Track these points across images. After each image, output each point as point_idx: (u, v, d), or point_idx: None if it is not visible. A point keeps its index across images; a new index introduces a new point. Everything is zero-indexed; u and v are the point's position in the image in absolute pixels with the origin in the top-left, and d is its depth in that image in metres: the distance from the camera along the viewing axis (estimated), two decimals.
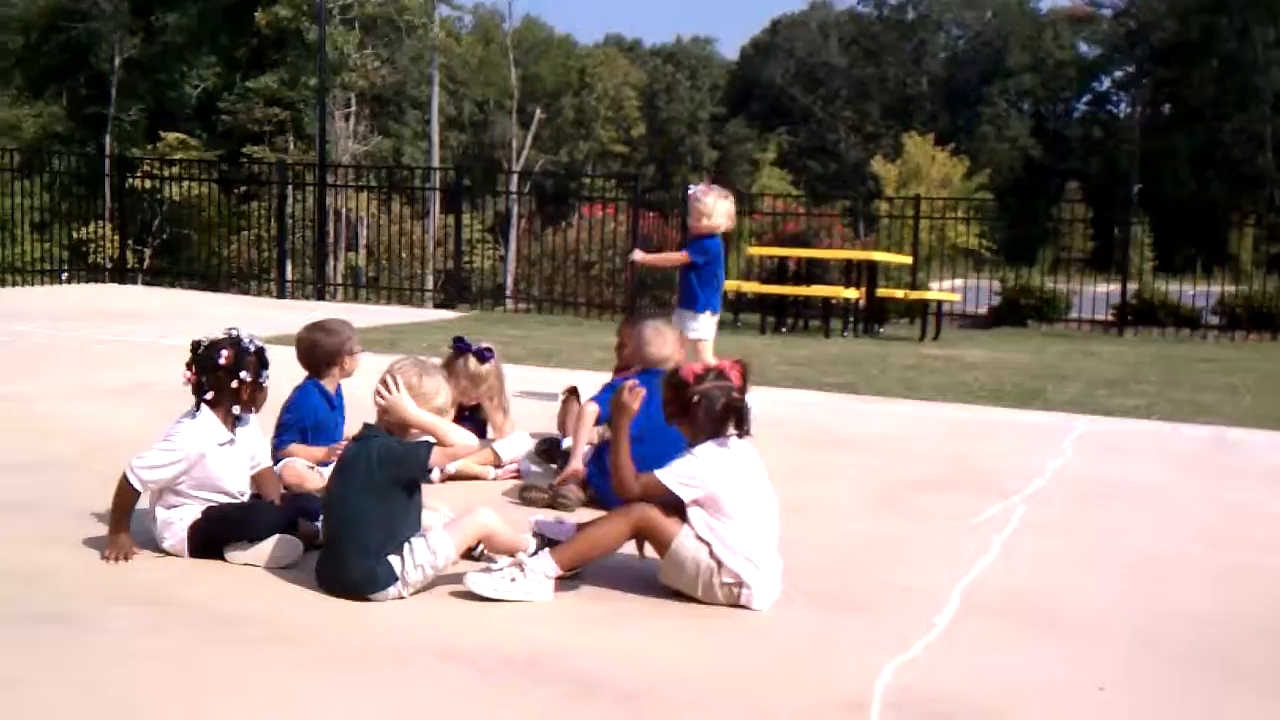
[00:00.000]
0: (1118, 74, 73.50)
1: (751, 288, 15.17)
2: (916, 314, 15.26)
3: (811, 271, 15.53)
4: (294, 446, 5.14)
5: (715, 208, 7.23)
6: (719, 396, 4.10)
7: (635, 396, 4.18)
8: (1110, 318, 16.90)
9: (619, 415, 4.17)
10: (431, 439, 4.02)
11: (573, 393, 6.06)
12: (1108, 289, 17.75)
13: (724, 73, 68.52)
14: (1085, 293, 17.41)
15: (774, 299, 14.63)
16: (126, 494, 4.20)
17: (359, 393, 5.14)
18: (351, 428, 4.87)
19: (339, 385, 5.38)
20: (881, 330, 14.63)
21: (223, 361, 4.24)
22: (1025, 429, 7.86)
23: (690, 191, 7.58)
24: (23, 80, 48.73)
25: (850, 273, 14.79)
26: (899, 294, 15.26)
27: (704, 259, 7.23)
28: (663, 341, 5.57)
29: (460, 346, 5.80)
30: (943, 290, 16.77)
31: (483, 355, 5.74)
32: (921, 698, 3.30)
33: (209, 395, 4.27)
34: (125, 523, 4.21)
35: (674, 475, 4.01)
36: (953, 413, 8.42)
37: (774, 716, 3.16)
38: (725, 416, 4.09)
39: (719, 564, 3.95)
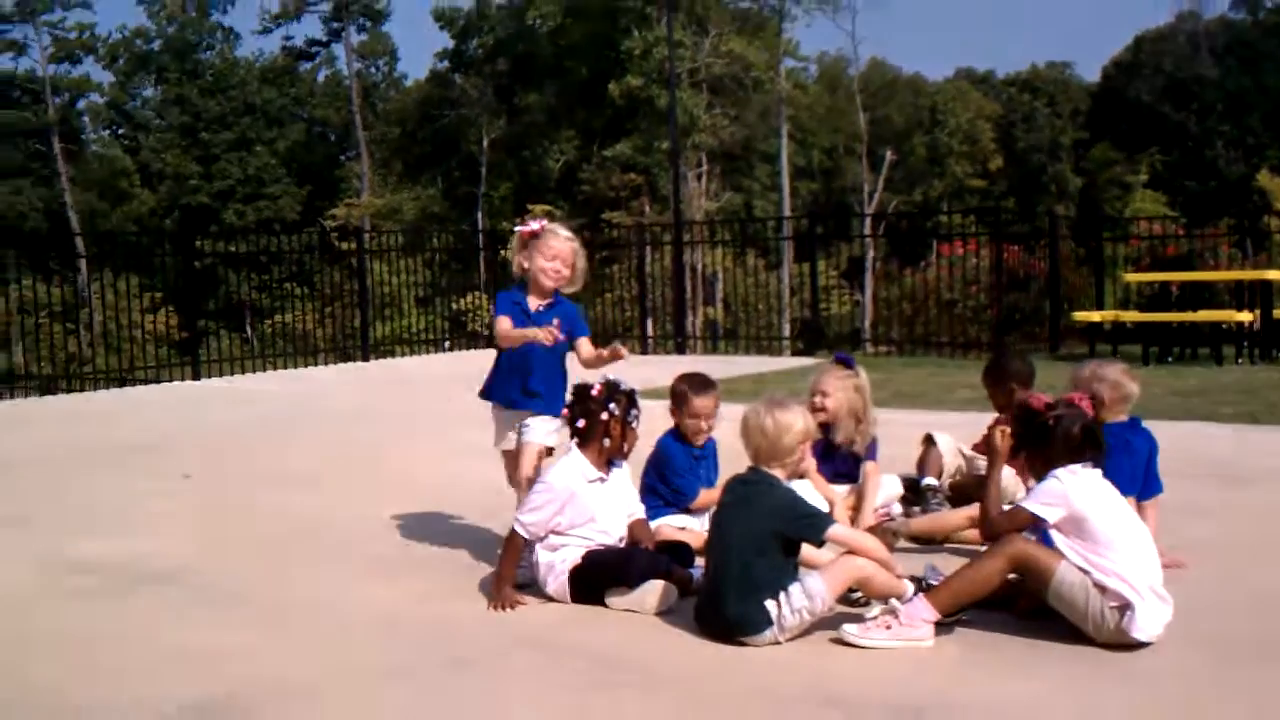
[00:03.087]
0: None
1: (1131, 316, 14.27)
2: None
3: (1196, 296, 14.46)
4: (702, 495, 5.12)
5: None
6: (1075, 420, 4.01)
7: (1006, 439, 4.21)
8: None
9: (992, 457, 4.23)
10: (829, 512, 4.27)
11: (929, 440, 5.86)
12: None
13: (1085, 96, 65.55)
14: None
15: (1156, 327, 13.71)
16: (515, 543, 4.41)
17: (727, 437, 5.16)
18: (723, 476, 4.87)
19: (711, 438, 5.35)
20: None
21: (594, 393, 4.49)
22: None
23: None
24: (401, 167, 53.07)
25: (1241, 294, 13.68)
26: None
27: None
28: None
29: (841, 357, 5.73)
30: None
31: (839, 358, 5.65)
32: None
33: (580, 424, 4.49)
34: (511, 573, 4.39)
35: (1034, 499, 3.95)
36: None
37: None
38: (1082, 441, 3.98)
39: (1103, 590, 3.78)
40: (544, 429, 4.93)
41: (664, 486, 5.17)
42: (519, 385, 4.91)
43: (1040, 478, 4.02)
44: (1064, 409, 4.04)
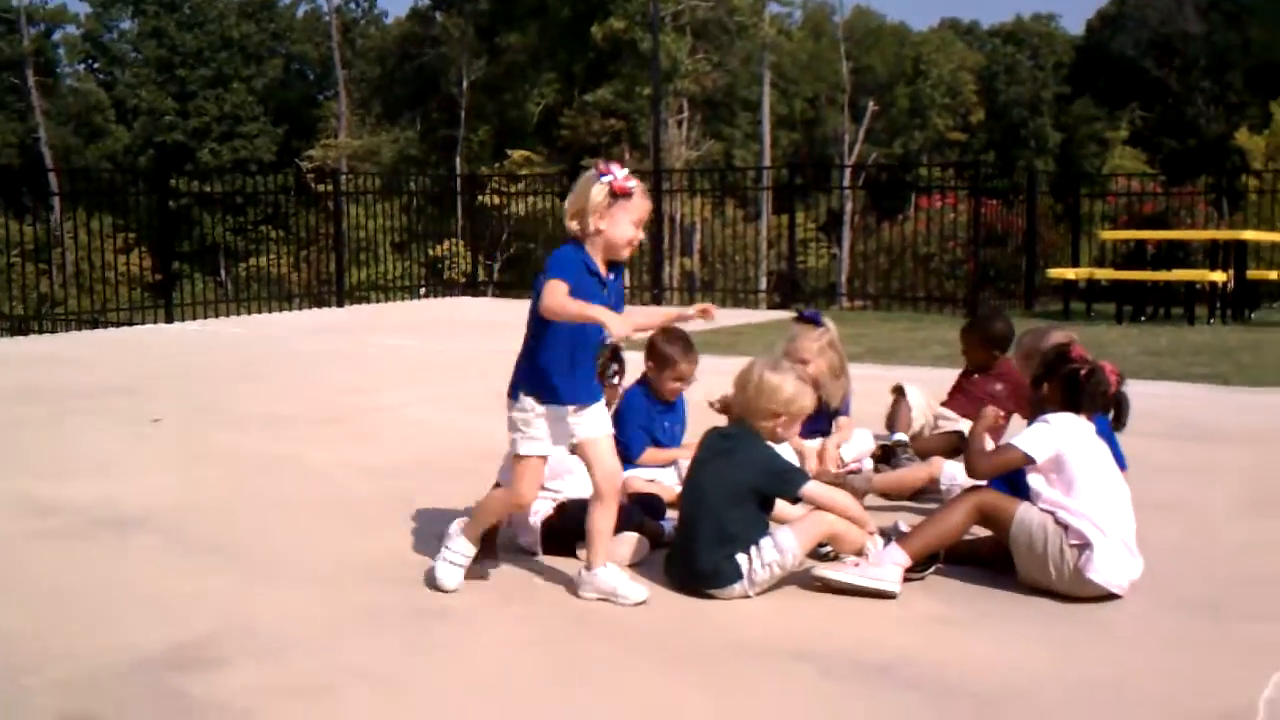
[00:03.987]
0: None
1: (1105, 274, 14.35)
2: None
3: (1171, 255, 14.53)
4: (649, 453, 5.16)
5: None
6: (1106, 381, 4.15)
7: (998, 420, 4.56)
8: None
9: (980, 424, 4.32)
10: (808, 471, 4.25)
11: (899, 391, 5.90)
12: None
13: (1068, 49, 65.35)
14: None
15: (1130, 285, 13.79)
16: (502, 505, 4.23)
17: (694, 396, 5.19)
18: (692, 436, 4.89)
19: (682, 395, 5.35)
20: (1253, 315, 13.52)
21: None
22: None
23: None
24: (380, 108, 52.59)
25: (1216, 254, 13.76)
26: (1273, 275, 14.07)
27: None
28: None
29: (797, 314, 5.73)
30: None
31: (805, 316, 5.64)
32: None
33: None
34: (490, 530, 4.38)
35: (1026, 439, 4.04)
36: None
37: None
38: (1108, 402, 4.19)
39: (1065, 528, 3.86)
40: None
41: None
42: (586, 374, 3.92)
43: (1034, 416, 4.18)
44: (1093, 366, 4.16)
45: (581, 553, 4.30)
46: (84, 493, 5.45)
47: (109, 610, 3.91)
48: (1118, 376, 4.22)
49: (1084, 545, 3.81)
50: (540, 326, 3.83)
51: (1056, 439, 3.98)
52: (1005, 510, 3.96)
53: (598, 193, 3.78)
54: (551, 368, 3.85)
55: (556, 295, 3.69)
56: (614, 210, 3.79)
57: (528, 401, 3.85)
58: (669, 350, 5.07)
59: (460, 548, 4.04)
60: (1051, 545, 3.85)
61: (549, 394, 3.86)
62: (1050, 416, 4.07)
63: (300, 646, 3.56)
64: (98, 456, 6.35)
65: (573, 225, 3.84)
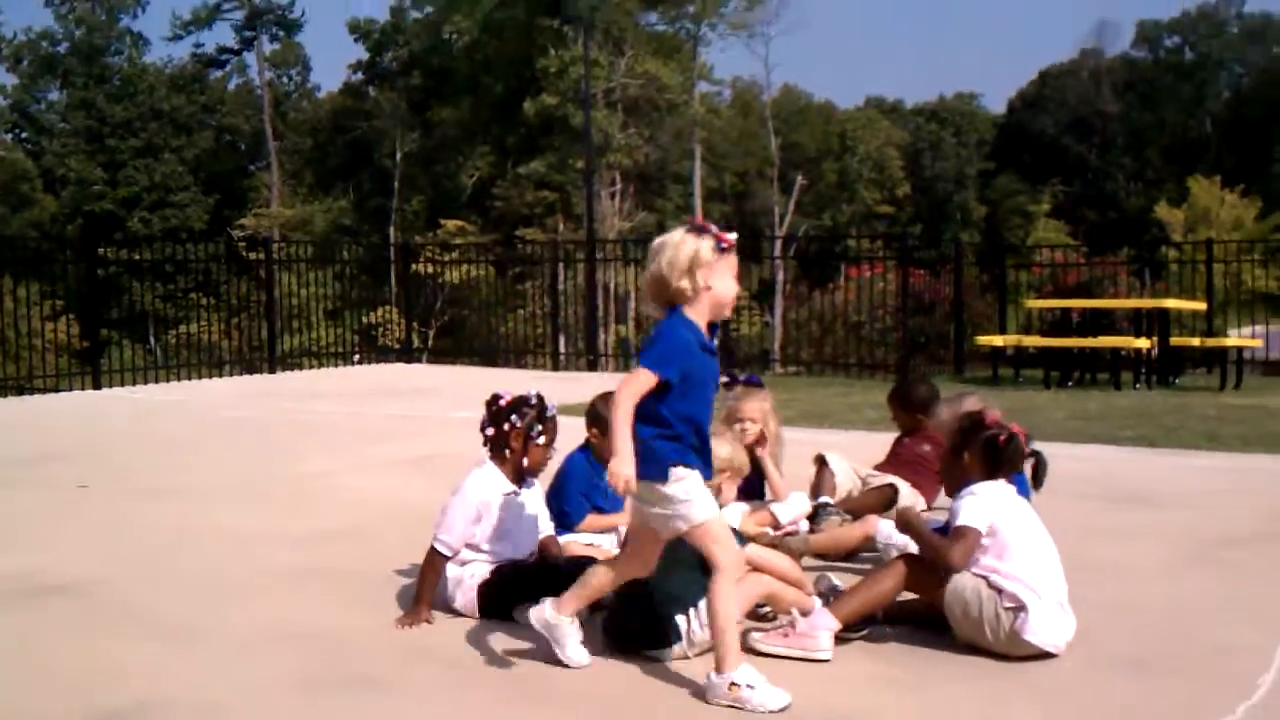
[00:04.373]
0: None
1: (1034, 341, 14.59)
2: (1214, 362, 14.33)
3: (1097, 323, 14.83)
4: (590, 519, 5.14)
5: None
6: (1024, 443, 4.17)
7: (919, 517, 4.34)
8: None
9: (912, 533, 4.19)
10: (741, 532, 4.17)
11: (821, 460, 5.96)
12: None
13: (990, 127, 67.00)
14: None
15: (1058, 352, 14.04)
16: (435, 563, 4.34)
17: None
18: None
19: None
20: (1177, 381, 13.80)
21: (503, 403, 4.46)
22: None
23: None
24: (313, 178, 52.52)
25: (1140, 322, 14.06)
26: (1195, 342, 14.38)
27: None
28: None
29: (729, 380, 5.76)
30: (1242, 337, 15.70)
31: (750, 381, 5.69)
32: None
33: (489, 432, 4.45)
34: (431, 593, 4.34)
35: (968, 515, 4.00)
36: (1262, 464, 7.82)
37: None
38: (1022, 461, 4.16)
39: (999, 591, 3.87)
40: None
41: (554, 503, 4.97)
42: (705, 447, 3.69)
43: (957, 486, 4.16)
44: (1008, 431, 4.18)
45: (519, 615, 4.25)
46: (5, 562, 5.31)
47: (25, 680, 3.79)
48: (1026, 437, 4.26)
49: (1019, 608, 3.84)
50: (671, 402, 3.56)
51: (988, 508, 4.00)
52: (935, 575, 3.97)
53: (706, 249, 3.54)
54: (687, 440, 3.60)
55: (629, 392, 3.50)
56: (719, 265, 3.57)
57: (679, 471, 3.55)
58: (608, 412, 5.07)
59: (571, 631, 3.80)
60: (986, 609, 3.86)
61: (695, 465, 3.60)
62: (975, 487, 4.08)
63: (223, 714, 3.48)
64: (21, 525, 6.19)
65: (681, 285, 3.54)
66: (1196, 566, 5.17)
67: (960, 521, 4.00)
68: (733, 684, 3.44)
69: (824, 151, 58.99)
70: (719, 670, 3.49)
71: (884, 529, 5.03)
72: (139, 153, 52.99)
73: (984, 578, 3.92)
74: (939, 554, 3.97)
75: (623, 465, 3.42)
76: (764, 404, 5.56)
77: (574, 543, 4.89)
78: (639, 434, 3.52)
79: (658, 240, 3.65)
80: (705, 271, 3.54)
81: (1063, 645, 3.88)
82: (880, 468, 6.04)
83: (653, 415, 3.54)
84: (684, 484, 3.54)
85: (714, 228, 3.63)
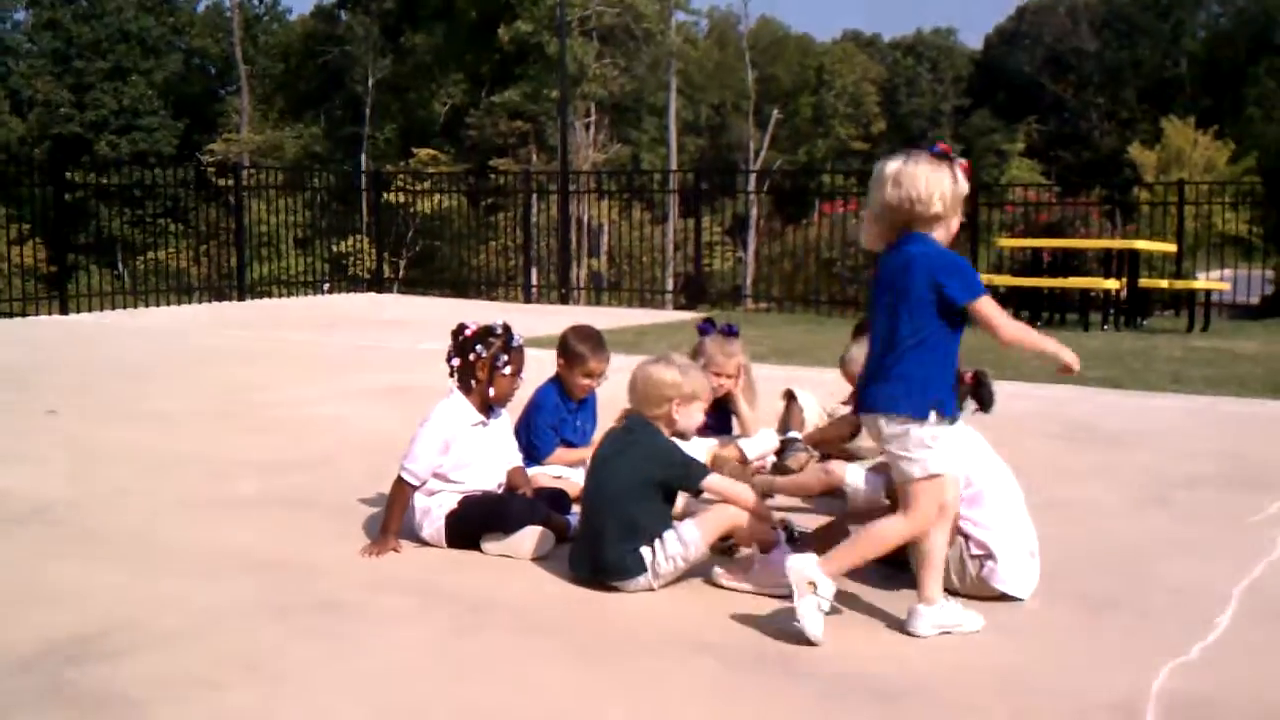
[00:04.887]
0: None
1: (1003, 281, 14.64)
2: (1182, 305, 14.44)
3: (1067, 263, 14.89)
4: (559, 452, 5.17)
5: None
6: (989, 380, 3.99)
7: None
8: None
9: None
10: (707, 465, 4.15)
11: (790, 395, 5.97)
12: None
13: (967, 63, 66.72)
14: None
15: (1027, 291, 14.10)
16: (402, 492, 4.36)
17: (609, 391, 5.19)
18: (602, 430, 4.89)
19: (593, 393, 5.36)
20: (1145, 323, 13.89)
21: (469, 334, 4.46)
22: None
23: None
24: (283, 104, 51.83)
25: (1110, 263, 14.13)
26: (1164, 284, 14.47)
27: None
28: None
29: (706, 327, 5.76)
30: (1210, 280, 15.80)
31: (728, 330, 5.69)
32: (1197, 702, 3.10)
33: (455, 362, 4.46)
34: (397, 523, 4.35)
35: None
36: (1226, 406, 7.91)
37: (1041, 718, 3.01)
38: (974, 391, 3.90)
39: (966, 537, 3.86)
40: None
41: (523, 435, 5.02)
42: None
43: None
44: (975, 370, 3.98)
45: (487, 545, 4.28)
46: None
47: (6, 602, 3.80)
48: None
49: (986, 555, 3.85)
50: (946, 338, 3.51)
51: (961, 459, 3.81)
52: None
53: (964, 184, 3.54)
54: (948, 381, 3.53)
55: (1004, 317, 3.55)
56: (959, 195, 3.56)
57: (934, 416, 3.48)
58: (580, 348, 5.09)
59: (828, 591, 3.51)
60: (952, 554, 3.85)
61: (947, 410, 3.51)
62: (935, 441, 3.73)
63: (191, 640, 3.49)
64: None
65: (936, 208, 3.48)
66: (1158, 507, 5.24)
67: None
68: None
69: (800, 85, 58.68)
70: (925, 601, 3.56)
71: (851, 478, 4.99)
72: (107, 75, 52.12)
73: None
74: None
75: (1062, 350, 3.55)
76: (738, 358, 5.59)
77: (542, 474, 4.91)
78: (915, 359, 3.46)
79: (898, 168, 3.53)
80: (956, 197, 3.53)
81: (1028, 594, 3.89)
82: (849, 403, 6.06)
83: (939, 345, 3.49)
84: (934, 429, 3.47)
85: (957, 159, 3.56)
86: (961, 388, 3.87)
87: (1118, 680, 3.23)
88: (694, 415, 4.18)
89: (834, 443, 5.53)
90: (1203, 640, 3.54)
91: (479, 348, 4.42)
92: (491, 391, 4.48)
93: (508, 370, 4.48)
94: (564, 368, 5.14)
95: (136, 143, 50.77)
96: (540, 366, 5.34)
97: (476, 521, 4.30)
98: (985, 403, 3.94)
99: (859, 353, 4.89)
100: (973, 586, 3.88)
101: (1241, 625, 3.68)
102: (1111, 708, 3.05)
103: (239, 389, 8.29)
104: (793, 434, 5.76)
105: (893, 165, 3.54)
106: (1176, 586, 4.07)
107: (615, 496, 3.95)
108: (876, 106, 59.93)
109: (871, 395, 3.55)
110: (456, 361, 4.47)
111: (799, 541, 4.22)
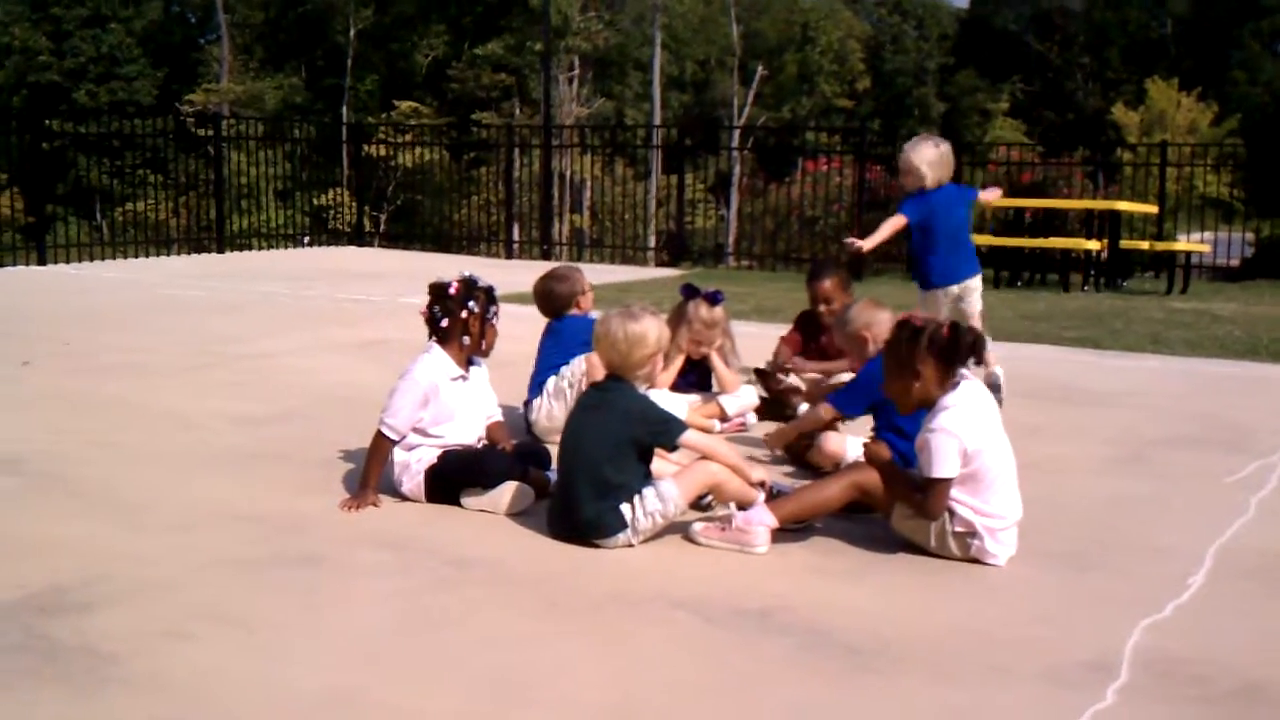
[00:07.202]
0: None
1: (984, 240, 14.60)
2: (1162, 267, 14.46)
3: (1049, 223, 14.89)
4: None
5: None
6: (969, 329, 4.00)
7: (882, 446, 4.02)
8: None
9: (876, 465, 3.96)
10: (685, 421, 4.14)
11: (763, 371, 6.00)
12: None
13: (953, 22, 66.39)
14: None
15: (1008, 251, 14.10)
16: (381, 446, 4.35)
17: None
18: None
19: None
20: (1125, 284, 13.92)
21: (452, 292, 4.43)
22: None
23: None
24: (264, 54, 51.22)
25: (1091, 224, 14.13)
26: (1144, 245, 14.48)
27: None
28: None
29: (689, 292, 5.74)
30: (1191, 242, 15.83)
31: (713, 298, 5.67)
32: (1173, 659, 3.12)
33: (443, 323, 4.43)
34: (376, 477, 4.34)
35: (941, 461, 3.77)
36: (1204, 368, 7.94)
37: (1014, 675, 3.03)
38: (967, 351, 3.87)
39: (950, 514, 3.84)
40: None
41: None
42: None
43: (917, 400, 3.92)
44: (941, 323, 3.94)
45: (467, 500, 4.28)
46: None
47: None
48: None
49: (970, 534, 3.83)
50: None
51: (958, 444, 3.78)
52: (888, 496, 3.93)
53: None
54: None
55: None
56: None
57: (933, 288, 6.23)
58: (579, 281, 5.45)
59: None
60: (935, 527, 3.86)
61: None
62: (944, 418, 3.80)
63: (165, 591, 3.48)
64: None
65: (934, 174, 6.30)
66: (1134, 467, 5.27)
67: (935, 473, 3.78)
68: None
69: (786, 42, 58.27)
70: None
71: (851, 451, 4.89)
72: (85, 22, 51.38)
73: None
74: (916, 506, 3.86)
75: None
76: (719, 326, 5.62)
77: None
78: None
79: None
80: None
81: (1005, 560, 3.86)
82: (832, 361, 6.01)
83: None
84: None
85: None
86: (959, 336, 3.91)
87: (1093, 638, 3.26)
88: (659, 363, 4.25)
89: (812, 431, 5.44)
90: (1177, 599, 3.57)
91: (471, 304, 4.41)
92: (484, 344, 4.52)
93: (495, 321, 4.51)
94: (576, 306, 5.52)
95: (115, 92, 50.13)
96: (530, 324, 5.35)
97: (456, 476, 4.29)
98: (977, 350, 3.91)
99: (872, 316, 4.83)
100: (949, 554, 3.88)
101: (1215, 584, 3.71)
102: (1086, 665, 3.07)
103: (217, 341, 8.24)
104: (782, 363, 5.92)
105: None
106: (1152, 546, 4.10)
107: (592, 454, 3.94)
108: (862, 64, 59.59)
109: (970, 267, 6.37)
110: (445, 322, 4.43)
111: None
